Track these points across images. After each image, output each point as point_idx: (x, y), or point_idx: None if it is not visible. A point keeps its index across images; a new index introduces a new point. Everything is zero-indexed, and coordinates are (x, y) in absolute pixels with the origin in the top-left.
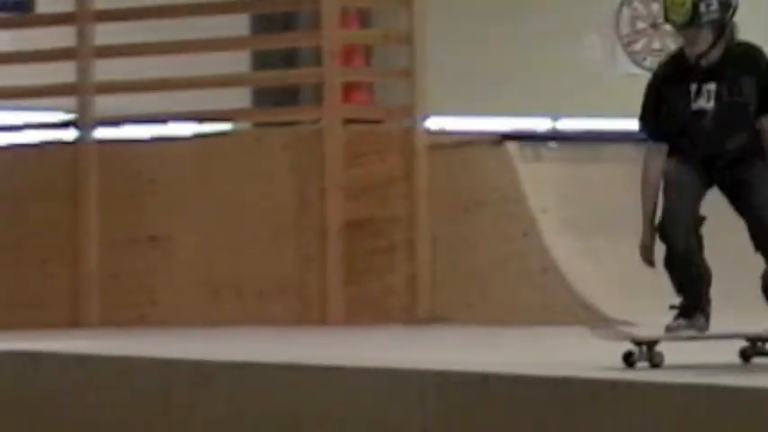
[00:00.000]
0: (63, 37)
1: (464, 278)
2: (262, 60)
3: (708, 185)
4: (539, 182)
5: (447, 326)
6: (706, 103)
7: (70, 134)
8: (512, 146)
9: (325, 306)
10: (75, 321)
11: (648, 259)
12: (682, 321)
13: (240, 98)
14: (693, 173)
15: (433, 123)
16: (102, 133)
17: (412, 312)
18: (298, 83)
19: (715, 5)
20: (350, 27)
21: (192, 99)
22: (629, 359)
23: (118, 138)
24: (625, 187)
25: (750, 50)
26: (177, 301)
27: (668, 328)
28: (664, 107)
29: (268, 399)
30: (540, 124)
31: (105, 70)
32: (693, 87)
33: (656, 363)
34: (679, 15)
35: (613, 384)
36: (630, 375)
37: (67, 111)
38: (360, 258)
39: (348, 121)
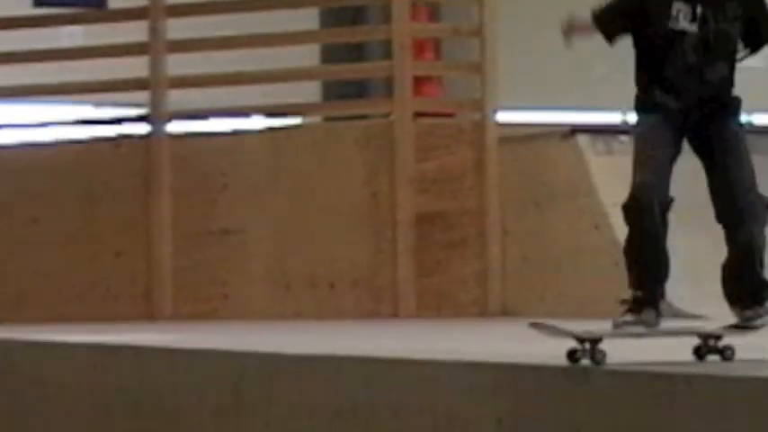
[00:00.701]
0: (136, 32)
1: (535, 271)
2: (330, 54)
3: (679, 151)
4: (610, 175)
5: (518, 319)
6: (689, 25)
7: (143, 129)
8: (583, 139)
9: (397, 299)
10: (148, 314)
11: (568, 32)
12: (629, 317)
13: (310, 92)
14: (668, 135)
15: (504, 117)
16: (174, 128)
17: (483, 306)
18: (366, 77)
19: None
20: (419, 21)
21: (263, 93)
22: (572, 357)
23: (190, 132)
24: (696, 180)
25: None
26: (249, 294)
27: (615, 324)
28: (638, 20)
29: (341, 392)
30: (612, 117)
31: (177, 65)
32: (677, 6)
33: (597, 360)
34: None
35: (688, 379)
36: (704, 369)
37: (140, 106)
38: (431, 251)
39: (418, 115)
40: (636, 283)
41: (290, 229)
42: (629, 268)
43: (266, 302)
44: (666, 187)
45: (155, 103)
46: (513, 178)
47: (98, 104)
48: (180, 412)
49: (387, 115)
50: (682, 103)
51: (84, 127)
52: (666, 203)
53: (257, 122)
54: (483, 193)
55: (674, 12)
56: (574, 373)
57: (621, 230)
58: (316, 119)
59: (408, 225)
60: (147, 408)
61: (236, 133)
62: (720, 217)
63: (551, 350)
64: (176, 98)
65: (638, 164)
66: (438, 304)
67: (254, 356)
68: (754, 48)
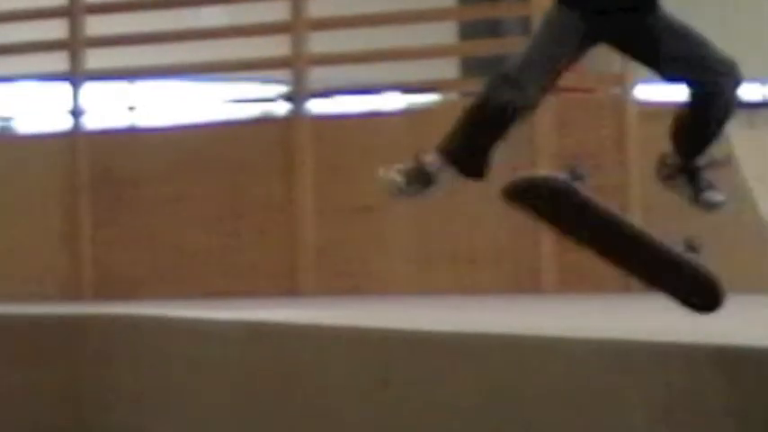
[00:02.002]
0: (278, 10)
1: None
2: (467, 31)
3: (585, 48)
4: (753, 149)
5: (661, 295)
6: None
7: (285, 107)
8: None
9: (539, 274)
10: (291, 291)
11: None
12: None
13: (448, 69)
14: (575, 30)
15: (644, 91)
16: (316, 105)
17: (626, 281)
18: (503, 53)
19: None
20: None
21: (402, 70)
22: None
23: (331, 109)
24: None
25: None
26: (390, 270)
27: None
28: None
29: (487, 369)
30: (753, 90)
31: (318, 43)
32: None
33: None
34: None
35: None
36: None
37: (283, 83)
38: None
39: (558, 90)
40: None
41: (430, 205)
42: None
43: (407, 278)
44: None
45: (297, 81)
46: (654, 153)
47: (240, 83)
48: (325, 390)
49: None
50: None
51: (227, 106)
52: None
53: (397, 99)
54: (624, 169)
55: None
56: (730, 353)
57: (765, 205)
58: (454, 96)
59: None
60: (293, 384)
61: (377, 110)
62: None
63: (702, 326)
64: (318, 76)
65: (542, 32)
66: (580, 279)
67: (401, 334)
68: None
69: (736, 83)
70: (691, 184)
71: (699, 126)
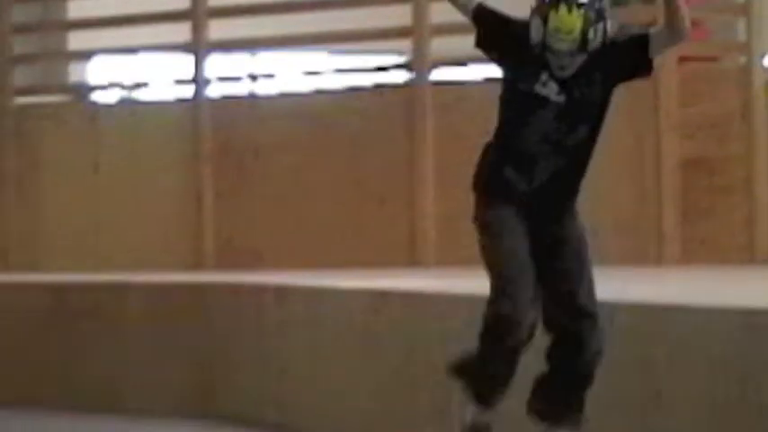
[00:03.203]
0: None
1: None
2: None
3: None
4: None
5: None
6: (555, 95)
7: (406, 77)
8: None
9: (661, 245)
10: (412, 261)
11: None
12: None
13: None
14: (522, 226)
15: None
16: (436, 75)
17: (749, 253)
18: (626, 22)
19: (601, 29)
20: None
21: None
22: None
23: (452, 79)
24: None
25: (611, 45)
26: None
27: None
28: (509, 49)
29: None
30: None
31: (439, 12)
32: (545, 76)
33: None
34: (565, 44)
35: None
36: None
37: (403, 55)
38: (696, 197)
39: (683, 59)
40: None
41: None
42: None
43: None
44: (533, 298)
45: (417, 51)
46: None
47: (362, 53)
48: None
49: None
50: (531, 187)
51: (348, 75)
52: (534, 323)
53: None
54: (750, 139)
55: (543, 77)
56: None
57: None
58: None
59: (673, 171)
60: (417, 350)
61: (496, 80)
62: (551, 325)
63: None
64: (438, 46)
65: (497, 265)
66: (703, 251)
67: None
68: (642, 70)
69: (599, 334)
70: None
71: (556, 379)
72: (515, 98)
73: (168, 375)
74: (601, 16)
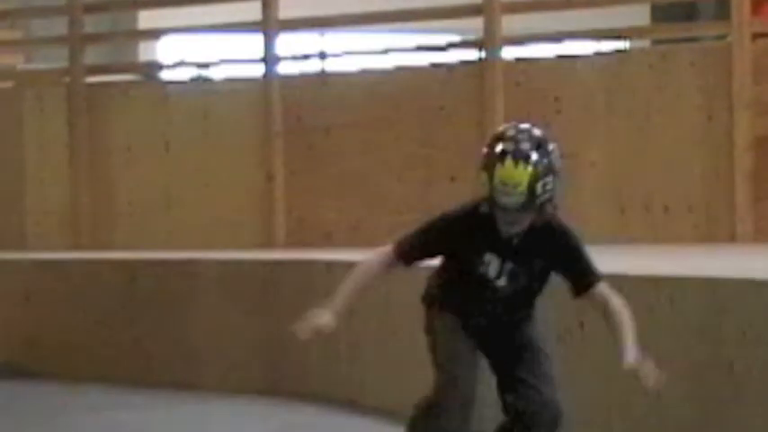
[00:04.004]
0: None
1: None
2: None
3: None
4: None
5: None
6: (498, 279)
7: (477, 55)
8: None
9: (734, 223)
10: None
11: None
12: None
13: (639, 16)
14: (470, 342)
15: None
16: (507, 53)
17: None
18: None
19: (551, 183)
20: None
21: (592, 17)
22: None
23: (523, 57)
24: None
25: (556, 232)
26: (583, 216)
27: None
28: (449, 261)
29: (686, 312)
30: None
31: None
32: (488, 256)
33: None
34: (512, 198)
35: None
36: None
37: (473, 34)
38: None
39: (756, 36)
40: None
41: (624, 152)
42: None
43: (601, 225)
44: (474, 382)
45: (488, 29)
46: None
47: (433, 31)
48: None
49: (721, 38)
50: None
51: (420, 53)
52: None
53: (588, 47)
54: None
55: (486, 259)
56: None
57: None
58: (645, 43)
59: (745, 149)
60: None
61: (568, 57)
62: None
63: None
64: (509, 24)
65: (441, 355)
66: None
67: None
68: (580, 292)
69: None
70: None
71: None
72: (456, 275)
73: (239, 353)
74: (549, 170)
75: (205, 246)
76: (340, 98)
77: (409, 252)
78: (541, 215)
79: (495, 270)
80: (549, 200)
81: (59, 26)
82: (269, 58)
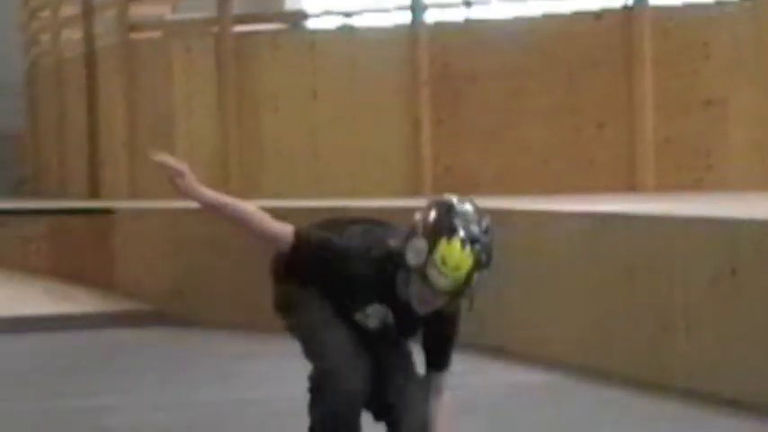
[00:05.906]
0: None
1: None
2: None
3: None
4: None
5: None
6: (375, 326)
7: (625, 1)
8: None
9: None
10: (631, 186)
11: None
12: None
13: None
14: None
15: None
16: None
17: None
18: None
19: (485, 278)
20: None
21: None
22: None
23: (672, 3)
24: None
25: (449, 312)
26: (732, 165)
27: None
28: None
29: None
30: None
31: None
32: (375, 307)
33: None
34: (446, 280)
35: None
36: None
37: None
38: None
39: None
40: None
41: None
42: None
43: (749, 174)
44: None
45: None
46: None
47: None
48: (672, 280)
49: None
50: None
51: (568, 1)
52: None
53: None
54: None
55: (368, 310)
56: None
57: None
58: None
59: None
60: (639, 273)
61: (718, 3)
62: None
63: None
64: None
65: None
66: None
67: (749, 225)
68: (430, 365)
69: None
70: None
71: None
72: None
73: None
74: (488, 263)
75: (352, 194)
76: (486, 46)
77: (301, 247)
78: (454, 303)
79: (374, 321)
80: (475, 294)
81: None
82: (416, 6)
